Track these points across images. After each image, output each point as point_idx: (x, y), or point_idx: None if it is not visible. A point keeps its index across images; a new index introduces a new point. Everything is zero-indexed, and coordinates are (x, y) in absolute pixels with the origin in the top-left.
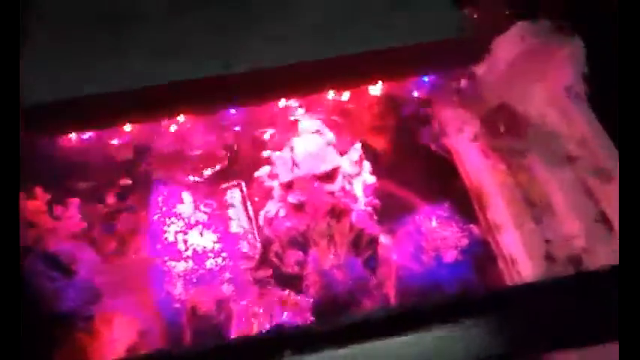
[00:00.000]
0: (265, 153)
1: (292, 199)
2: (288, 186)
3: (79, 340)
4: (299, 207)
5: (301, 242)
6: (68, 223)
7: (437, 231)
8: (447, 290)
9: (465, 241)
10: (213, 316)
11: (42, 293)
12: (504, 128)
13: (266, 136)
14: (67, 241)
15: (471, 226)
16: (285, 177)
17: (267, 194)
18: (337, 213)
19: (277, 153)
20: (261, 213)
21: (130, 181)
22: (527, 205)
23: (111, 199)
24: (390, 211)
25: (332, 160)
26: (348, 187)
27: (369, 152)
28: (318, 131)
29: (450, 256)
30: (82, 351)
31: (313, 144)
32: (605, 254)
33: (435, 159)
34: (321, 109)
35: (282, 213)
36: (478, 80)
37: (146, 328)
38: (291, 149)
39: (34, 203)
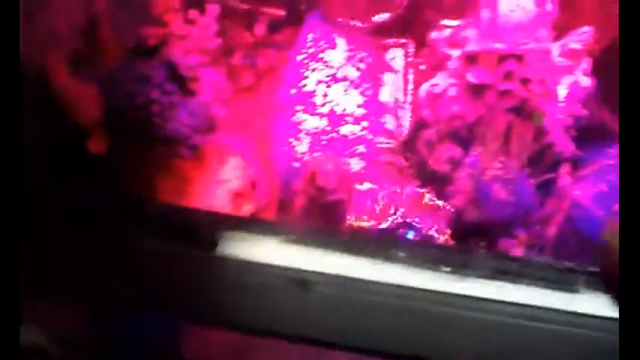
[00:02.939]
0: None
1: (472, 77)
2: (472, 59)
3: (183, 168)
4: (477, 90)
5: (464, 137)
6: (202, 33)
7: None
8: None
9: None
10: (332, 191)
11: (150, 106)
12: None
13: None
14: (196, 54)
15: None
16: (473, 46)
17: (440, 64)
18: (526, 112)
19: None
20: (424, 86)
21: (283, 12)
22: None
23: (260, 30)
24: (594, 132)
25: (543, 39)
26: (549, 81)
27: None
28: None
29: None
30: (185, 180)
31: (524, 12)
32: None
33: None
34: None
35: (451, 92)
36: None
37: (259, 180)
38: (492, 11)
39: None
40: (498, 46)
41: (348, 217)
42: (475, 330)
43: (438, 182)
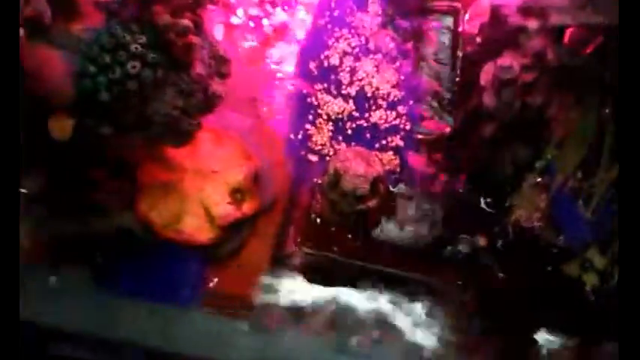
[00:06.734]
0: None
1: (556, 59)
2: (558, 34)
3: (169, 157)
4: (564, 75)
5: (536, 135)
6: None
7: None
8: None
9: None
10: (367, 198)
11: (127, 82)
12: None
13: None
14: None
15: None
16: (559, 18)
17: (508, 39)
18: None
19: None
20: (486, 68)
21: None
22: None
23: None
24: None
25: None
26: None
27: None
28: None
29: None
30: (171, 171)
31: None
32: None
33: None
34: None
35: (526, 77)
36: None
37: (260, 173)
38: None
39: None
40: (597, 19)
41: (379, 228)
42: None
43: (497, 189)
